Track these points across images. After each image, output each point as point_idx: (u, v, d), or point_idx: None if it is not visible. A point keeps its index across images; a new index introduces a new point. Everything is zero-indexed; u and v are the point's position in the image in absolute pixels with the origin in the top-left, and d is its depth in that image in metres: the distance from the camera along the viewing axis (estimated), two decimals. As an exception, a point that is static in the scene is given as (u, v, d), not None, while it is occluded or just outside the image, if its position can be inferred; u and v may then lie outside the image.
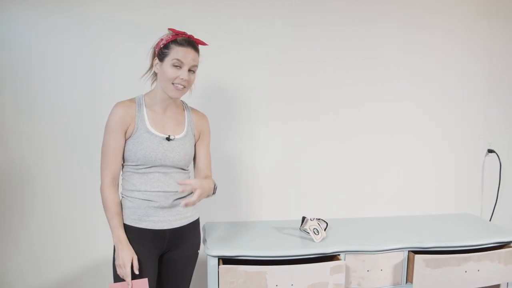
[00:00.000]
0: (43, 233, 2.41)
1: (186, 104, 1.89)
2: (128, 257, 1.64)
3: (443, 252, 1.99)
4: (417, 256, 1.91)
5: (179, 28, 1.78)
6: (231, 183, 2.55)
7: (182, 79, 1.68)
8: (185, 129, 1.81)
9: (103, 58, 2.33)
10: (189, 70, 1.70)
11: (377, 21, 2.58)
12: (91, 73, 2.34)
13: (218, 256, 1.84)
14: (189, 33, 1.74)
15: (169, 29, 1.72)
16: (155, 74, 1.78)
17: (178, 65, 1.68)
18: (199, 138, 1.90)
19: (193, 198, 1.60)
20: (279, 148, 2.57)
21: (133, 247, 1.67)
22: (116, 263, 1.65)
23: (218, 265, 1.83)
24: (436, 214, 2.56)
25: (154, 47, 1.74)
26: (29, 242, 2.40)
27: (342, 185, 2.63)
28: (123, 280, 1.65)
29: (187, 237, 1.83)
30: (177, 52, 1.67)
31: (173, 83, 1.69)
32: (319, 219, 2.09)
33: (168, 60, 1.68)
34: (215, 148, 2.49)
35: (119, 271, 1.65)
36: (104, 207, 1.69)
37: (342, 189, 2.63)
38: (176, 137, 1.76)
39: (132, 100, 1.74)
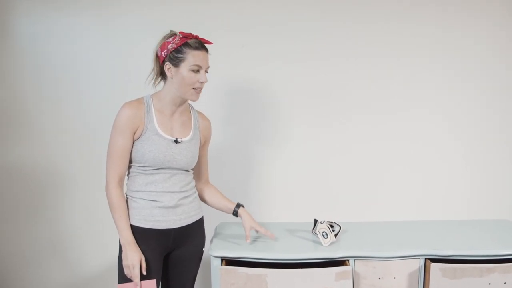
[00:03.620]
0: (80, 231, 2.55)
1: (192, 107, 1.90)
2: (136, 258, 1.66)
3: (464, 261, 1.83)
4: (432, 265, 1.78)
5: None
6: (251, 184, 2.53)
7: (202, 82, 1.71)
8: (192, 131, 1.82)
9: (131, 58, 2.42)
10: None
11: (412, 19, 2.46)
12: (116, 76, 2.44)
13: (221, 257, 1.82)
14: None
15: (179, 32, 1.71)
16: (160, 76, 1.78)
17: (197, 70, 1.69)
18: (204, 142, 1.91)
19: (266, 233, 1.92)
20: (300, 149, 2.52)
21: (139, 247, 1.70)
22: (124, 263, 1.68)
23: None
24: (465, 220, 2.37)
25: (160, 51, 1.72)
26: (66, 240, 2.54)
27: (359, 188, 2.54)
28: (130, 280, 1.68)
29: (192, 236, 1.84)
30: (194, 57, 1.68)
31: (193, 88, 1.71)
32: (331, 222, 2.01)
33: (185, 66, 1.68)
34: (235, 148, 2.49)
35: (127, 272, 1.68)
36: (110, 207, 1.71)
37: (360, 192, 2.54)
38: (183, 139, 1.77)
39: (139, 101, 1.75)
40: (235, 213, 1.94)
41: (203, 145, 1.92)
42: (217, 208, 1.99)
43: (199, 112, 1.91)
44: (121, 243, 1.70)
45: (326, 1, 2.43)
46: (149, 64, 1.79)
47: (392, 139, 2.52)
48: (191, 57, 1.68)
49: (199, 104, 1.89)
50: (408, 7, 2.44)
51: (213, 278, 1.85)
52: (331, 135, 2.51)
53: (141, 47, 2.36)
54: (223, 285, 1.75)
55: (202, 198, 1.98)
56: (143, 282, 1.67)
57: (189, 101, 1.86)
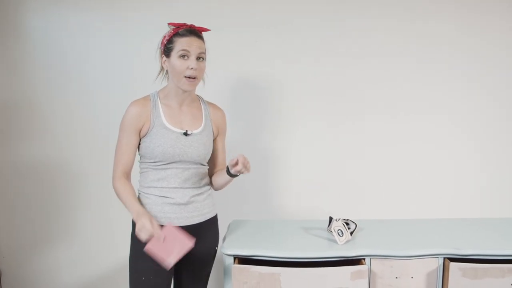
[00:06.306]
0: (92, 230, 2.55)
1: (202, 98, 1.87)
2: (147, 220, 1.55)
3: (483, 260, 1.76)
4: (452, 264, 1.72)
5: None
6: (265, 182, 2.50)
7: (192, 68, 1.67)
8: (203, 123, 1.79)
9: (142, 56, 2.38)
10: (197, 58, 1.68)
11: (432, 18, 2.40)
12: (128, 74, 2.43)
13: (233, 255, 1.79)
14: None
15: (168, 24, 1.72)
16: (167, 72, 1.77)
17: (185, 55, 1.67)
18: (218, 133, 1.87)
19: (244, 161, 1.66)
20: (315, 147, 2.49)
21: None
22: (137, 228, 1.56)
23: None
24: (484, 218, 2.30)
25: (160, 47, 1.76)
26: (78, 238, 2.56)
27: (375, 185, 2.50)
28: (142, 276, 1.66)
29: (204, 234, 1.81)
30: (181, 43, 1.67)
31: (185, 76, 1.68)
32: (346, 219, 1.96)
33: (175, 53, 1.68)
34: (249, 145, 2.46)
35: (142, 236, 1.54)
36: (118, 196, 1.69)
37: (376, 189, 2.50)
38: (194, 131, 1.74)
39: (146, 98, 1.75)
40: (228, 172, 1.76)
41: (218, 136, 1.88)
42: (223, 183, 1.85)
43: (210, 103, 1.88)
44: (134, 218, 1.60)
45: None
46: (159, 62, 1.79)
47: (408, 139, 2.49)
48: (178, 44, 1.67)
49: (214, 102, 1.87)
50: (428, 5, 2.39)
51: (225, 276, 1.82)
52: (347, 133, 2.47)
53: (152, 45, 2.33)
54: (235, 284, 1.72)
55: (212, 187, 1.91)
56: (164, 228, 1.58)
57: (197, 93, 1.84)
